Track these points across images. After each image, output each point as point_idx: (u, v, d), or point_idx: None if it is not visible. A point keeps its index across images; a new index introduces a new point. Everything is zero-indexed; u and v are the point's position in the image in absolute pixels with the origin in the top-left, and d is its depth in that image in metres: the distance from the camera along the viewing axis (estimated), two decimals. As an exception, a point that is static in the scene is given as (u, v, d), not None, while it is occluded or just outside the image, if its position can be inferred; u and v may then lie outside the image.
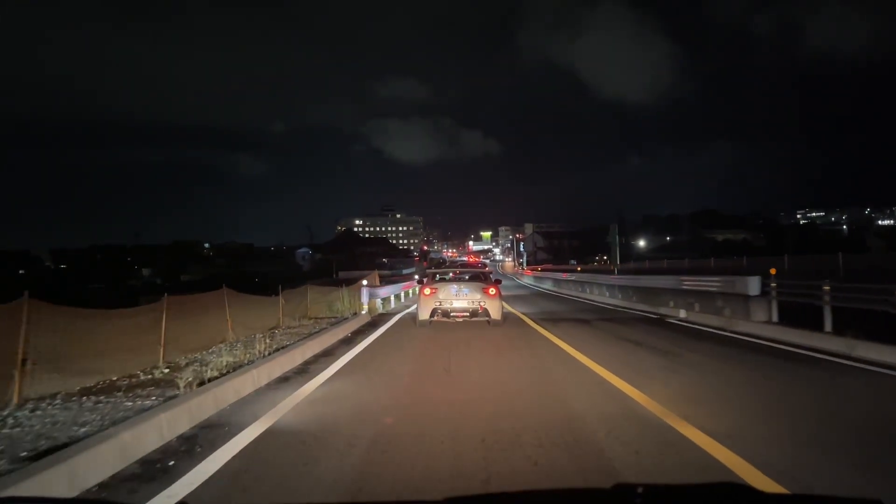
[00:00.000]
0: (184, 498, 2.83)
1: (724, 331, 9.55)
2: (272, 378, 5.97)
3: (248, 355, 6.58)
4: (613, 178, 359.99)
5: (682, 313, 12.04)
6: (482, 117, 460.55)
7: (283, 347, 7.33)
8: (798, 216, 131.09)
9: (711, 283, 11.10)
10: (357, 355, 7.74)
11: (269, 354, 6.62)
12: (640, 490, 1.07)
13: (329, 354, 7.83)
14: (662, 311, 13.18)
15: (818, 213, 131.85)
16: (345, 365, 6.94)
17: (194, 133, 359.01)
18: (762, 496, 1.20)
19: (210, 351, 7.35)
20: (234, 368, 5.77)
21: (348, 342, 9.16)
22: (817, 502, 1.51)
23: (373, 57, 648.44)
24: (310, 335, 8.86)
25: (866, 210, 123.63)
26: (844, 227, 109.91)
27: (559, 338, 8.99)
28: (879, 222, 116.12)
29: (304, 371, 6.53)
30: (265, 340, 7.78)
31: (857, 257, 28.77)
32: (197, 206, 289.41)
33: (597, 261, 79.52)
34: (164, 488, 2.95)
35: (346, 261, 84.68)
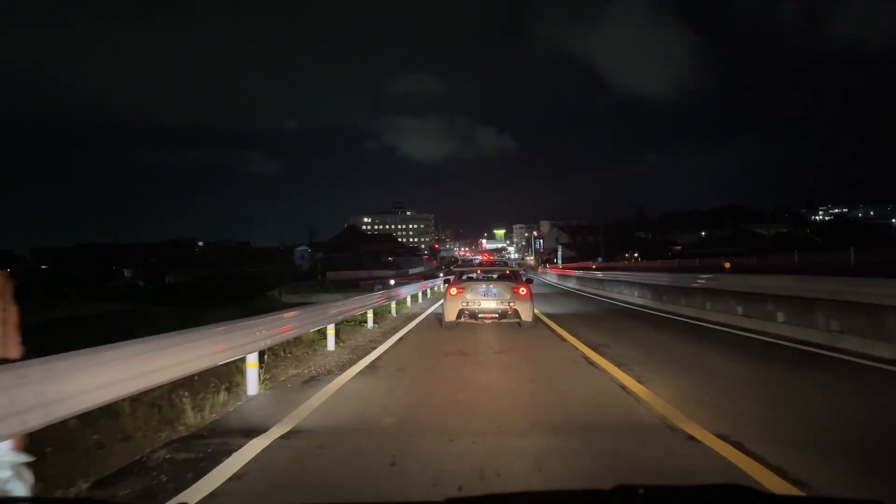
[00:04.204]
0: None
1: None
2: None
3: None
4: (630, 175, 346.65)
5: None
6: (497, 113, 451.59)
7: None
8: (821, 212, 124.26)
9: None
10: None
11: None
12: (641, 491, 1.05)
13: None
14: None
15: (842, 209, 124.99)
16: None
17: (204, 132, 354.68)
18: (763, 497, 1.20)
19: None
20: None
21: None
22: (818, 503, 1.68)
23: (386, 53, 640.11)
24: None
25: (888, 206, 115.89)
26: (894, 220, 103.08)
27: None
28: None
29: None
30: None
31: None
32: (207, 205, 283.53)
33: (626, 258, 71.27)
34: None
35: (350, 259, 76.41)
